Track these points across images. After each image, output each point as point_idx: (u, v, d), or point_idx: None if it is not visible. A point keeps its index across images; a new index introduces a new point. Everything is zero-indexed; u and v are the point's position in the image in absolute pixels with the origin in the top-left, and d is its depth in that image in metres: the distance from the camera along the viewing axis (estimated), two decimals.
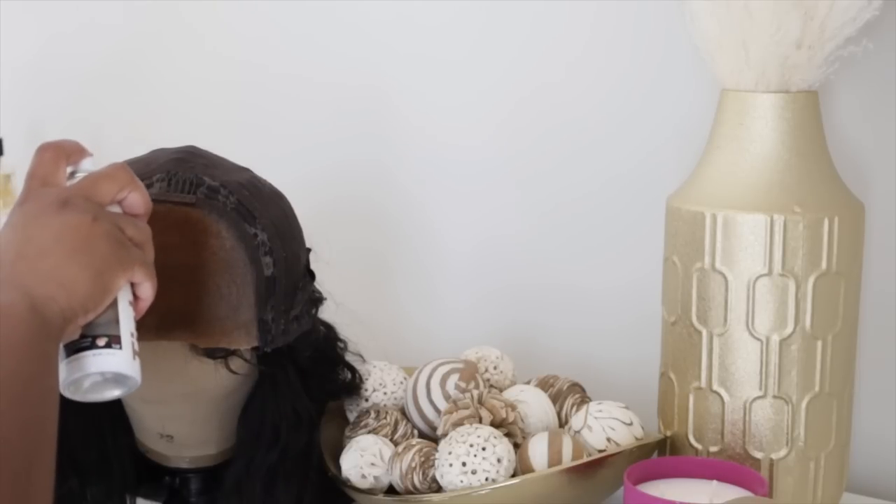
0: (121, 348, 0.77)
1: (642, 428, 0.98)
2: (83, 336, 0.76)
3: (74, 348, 0.76)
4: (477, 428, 0.94)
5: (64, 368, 0.76)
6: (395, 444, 1.00)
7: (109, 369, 0.76)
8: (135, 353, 0.78)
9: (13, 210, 0.78)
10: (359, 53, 1.35)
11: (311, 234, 1.00)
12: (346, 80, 1.36)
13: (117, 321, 0.77)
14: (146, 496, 1.05)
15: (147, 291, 0.79)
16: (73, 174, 0.82)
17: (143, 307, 0.80)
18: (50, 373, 0.70)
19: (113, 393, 0.78)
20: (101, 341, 0.76)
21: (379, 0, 1.32)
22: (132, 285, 0.79)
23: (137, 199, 0.81)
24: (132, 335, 0.78)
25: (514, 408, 0.98)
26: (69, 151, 0.82)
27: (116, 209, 0.80)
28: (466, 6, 1.27)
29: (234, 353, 0.92)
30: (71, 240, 0.74)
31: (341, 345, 1.06)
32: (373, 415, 1.02)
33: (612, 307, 1.23)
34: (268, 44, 1.42)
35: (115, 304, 0.77)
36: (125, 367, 0.77)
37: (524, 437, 0.98)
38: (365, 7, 1.34)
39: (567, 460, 0.94)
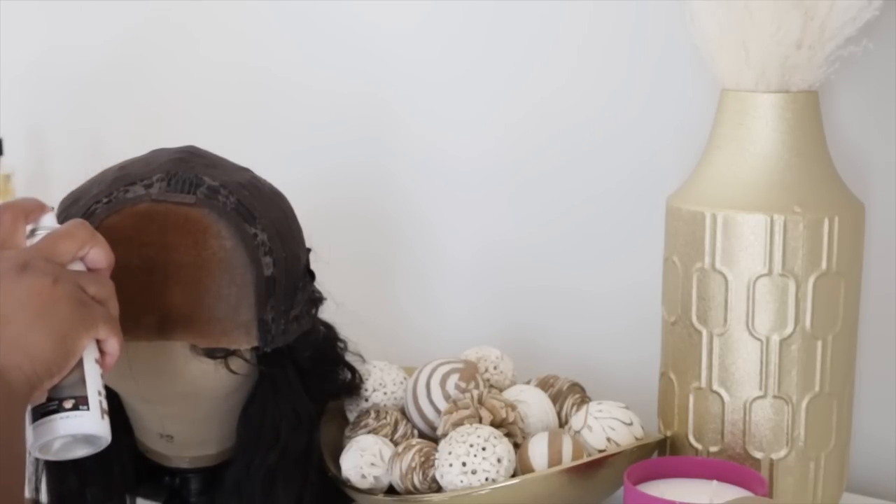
0: (88, 409, 0.77)
1: (642, 428, 0.98)
2: (50, 399, 0.76)
3: (42, 412, 0.76)
4: (477, 428, 0.94)
5: (32, 432, 0.76)
6: (395, 444, 1.00)
7: (78, 431, 0.77)
8: (103, 411, 0.78)
9: None
10: (360, 58, 1.35)
11: (311, 235, 1.00)
12: (347, 83, 1.36)
13: (83, 381, 0.78)
14: (146, 496, 1.05)
15: (113, 347, 0.80)
16: (33, 232, 0.82)
17: (110, 362, 0.80)
18: (17, 439, 0.71)
19: (83, 451, 0.79)
20: (68, 403, 0.77)
21: (379, 8, 1.32)
22: (98, 342, 0.79)
23: (99, 254, 0.81)
24: (100, 393, 0.79)
25: (514, 408, 0.98)
26: (28, 210, 0.82)
27: (79, 266, 0.80)
28: (467, 12, 1.27)
29: (234, 353, 0.92)
30: (33, 305, 0.74)
31: (341, 345, 1.06)
32: (373, 415, 1.02)
33: (613, 309, 1.23)
34: (268, 47, 1.42)
35: (80, 364, 0.78)
36: (93, 427, 0.77)
37: (524, 437, 0.98)
38: (366, 14, 1.34)
39: (567, 460, 0.94)
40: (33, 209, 0.82)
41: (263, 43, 1.43)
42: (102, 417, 0.78)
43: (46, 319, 0.74)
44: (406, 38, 1.32)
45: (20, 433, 0.71)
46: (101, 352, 0.80)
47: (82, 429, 0.77)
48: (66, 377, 0.76)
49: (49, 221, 0.82)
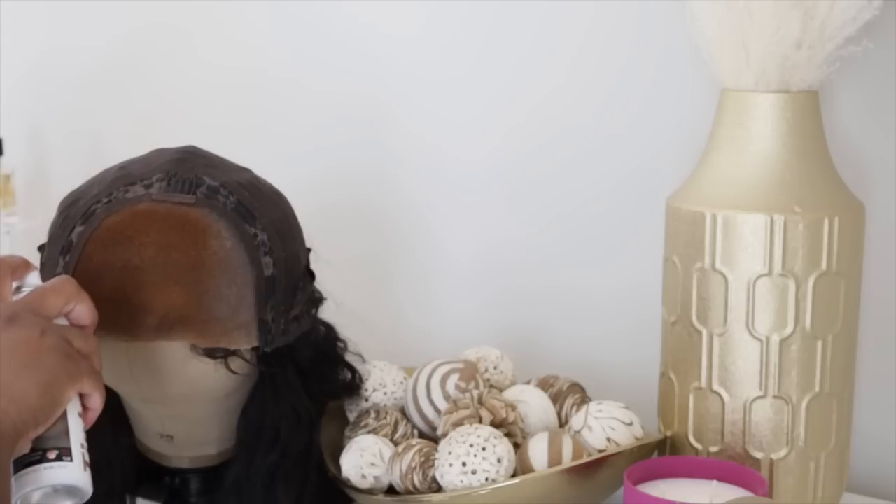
0: (71, 460, 0.78)
1: (642, 428, 0.98)
2: (34, 450, 0.77)
3: (25, 462, 0.77)
4: (477, 428, 0.94)
5: (14, 482, 0.77)
6: (395, 444, 1.00)
7: (60, 482, 0.78)
8: (85, 464, 0.79)
9: None
10: (359, 59, 1.35)
11: (311, 235, 1.00)
12: (347, 84, 1.36)
13: (67, 433, 0.79)
14: (146, 496, 1.05)
15: (96, 402, 0.81)
16: (18, 289, 0.84)
17: (91, 417, 0.82)
18: (4, 481, 0.72)
19: (64, 503, 0.80)
20: (52, 454, 0.78)
21: (379, 9, 1.32)
22: (81, 396, 0.81)
23: (84, 311, 0.83)
24: (83, 446, 0.80)
25: (514, 408, 0.98)
26: (14, 267, 0.84)
27: (63, 321, 0.82)
28: (467, 13, 1.27)
29: (234, 353, 0.92)
30: (20, 354, 0.76)
31: (341, 345, 1.06)
32: (373, 415, 1.02)
33: (613, 310, 1.23)
34: (268, 48, 1.42)
35: (64, 416, 0.79)
36: (76, 479, 0.78)
37: (524, 437, 0.98)
38: (365, 16, 1.34)
39: (567, 460, 0.94)
40: (19, 266, 0.84)
41: (263, 44, 1.43)
42: (85, 469, 0.79)
43: (33, 369, 0.76)
44: (406, 40, 1.32)
45: (7, 476, 0.73)
46: (84, 406, 0.81)
47: (66, 479, 0.78)
48: (49, 428, 0.77)
49: (34, 279, 0.85)
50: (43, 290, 0.82)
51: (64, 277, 0.83)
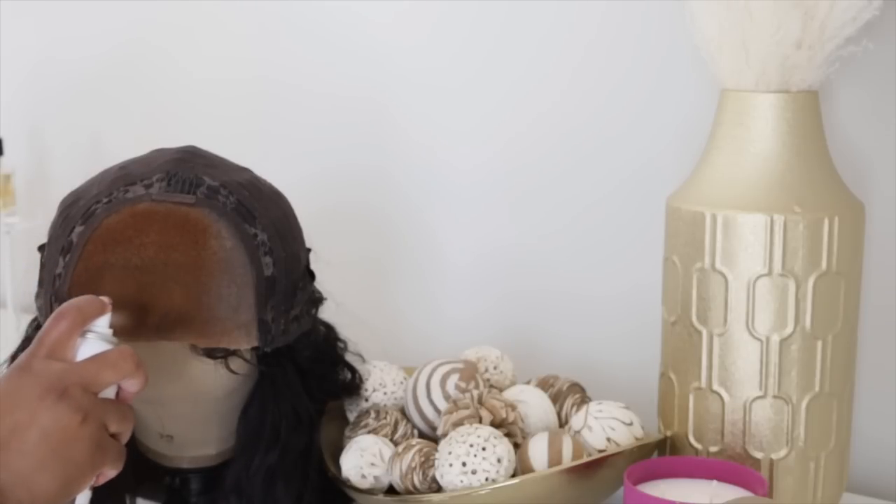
0: None
1: (642, 428, 0.98)
2: None
3: None
4: (477, 428, 0.94)
5: None
6: (395, 444, 1.00)
7: None
8: None
9: (10, 373, 0.78)
10: (362, 64, 1.35)
11: (313, 236, 1.00)
12: (349, 88, 1.36)
13: None
14: (146, 496, 1.05)
15: (110, 475, 0.81)
16: (83, 333, 0.82)
17: (100, 481, 0.81)
18: None
19: None
20: None
21: (382, 14, 1.32)
22: None
23: (134, 386, 0.82)
24: None
25: (514, 408, 0.98)
26: (87, 316, 0.82)
27: (111, 392, 0.81)
28: (468, 15, 1.27)
29: (234, 353, 0.92)
30: (54, 439, 0.76)
31: (341, 345, 1.06)
32: (373, 415, 1.02)
33: (613, 311, 1.23)
34: (269, 50, 1.42)
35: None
36: None
37: (524, 437, 0.98)
38: (367, 20, 1.34)
39: (567, 460, 0.94)
40: (93, 313, 0.82)
41: (265, 45, 1.43)
42: None
43: (60, 461, 0.76)
44: (408, 45, 1.32)
45: None
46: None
47: None
48: None
49: (103, 324, 0.83)
50: (102, 363, 0.80)
51: (126, 351, 0.81)
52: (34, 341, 0.80)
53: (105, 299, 0.83)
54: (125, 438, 0.82)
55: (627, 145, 1.20)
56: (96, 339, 0.82)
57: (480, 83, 1.28)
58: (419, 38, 1.32)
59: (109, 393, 0.81)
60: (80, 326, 0.81)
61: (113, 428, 0.80)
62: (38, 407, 0.76)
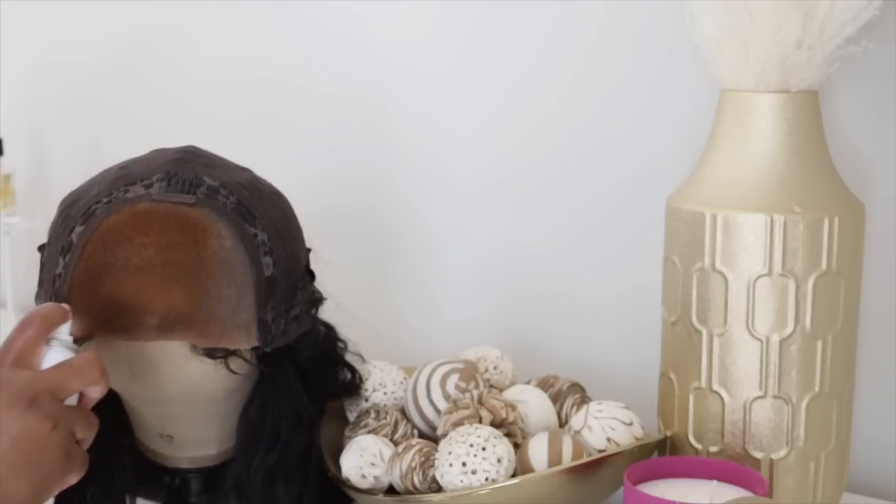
0: None
1: (642, 428, 0.98)
2: None
3: None
4: (477, 428, 0.94)
5: None
6: (395, 444, 1.00)
7: None
8: None
9: None
10: (363, 64, 1.35)
11: (313, 236, 1.00)
12: (350, 88, 1.36)
13: None
14: (146, 496, 1.05)
15: (74, 481, 0.81)
16: (48, 341, 0.83)
17: (67, 485, 0.82)
18: None
19: None
20: None
21: (384, 14, 1.32)
22: None
23: (99, 391, 0.83)
24: None
25: (514, 408, 0.98)
26: (52, 323, 0.83)
27: (74, 399, 0.82)
28: (469, 15, 1.27)
29: (234, 353, 0.92)
30: (24, 448, 0.76)
31: (341, 345, 1.06)
32: (373, 415, 1.02)
33: (614, 312, 1.23)
34: (271, 49, 1.42)
35: None
36: None
37: (524, 437, 0.98)
38: (369, 20, 1.34)
39: (567, 460, 0.94)
40: (56, 320, 0.83)
41: (266, 46, 1.43)
42: None
43: (31, 468, 0.76)
44: (409, 46, 1.32)
45: None
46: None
47: None
48: None
49: (65, 332, 0.84)
50: (69, 370, 0.80)
51: (91, 358, 0.82)
52: (1, 349, 0.80)
53: (66, 307, 0.84)
54: (87, 445, 0.82)
55: (627, 145, 1.19)
56: (60, 346, 0.83)
57: (481, 84, 1.28)
58: (419, 38, 1.32)
59: (72, 400, 0.82)
60: (46, 334, 0.82)
61: (80, 434, 0.80)
62: (8, 415, 0.76)
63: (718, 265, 0.94)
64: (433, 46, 1.31)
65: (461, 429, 0.95)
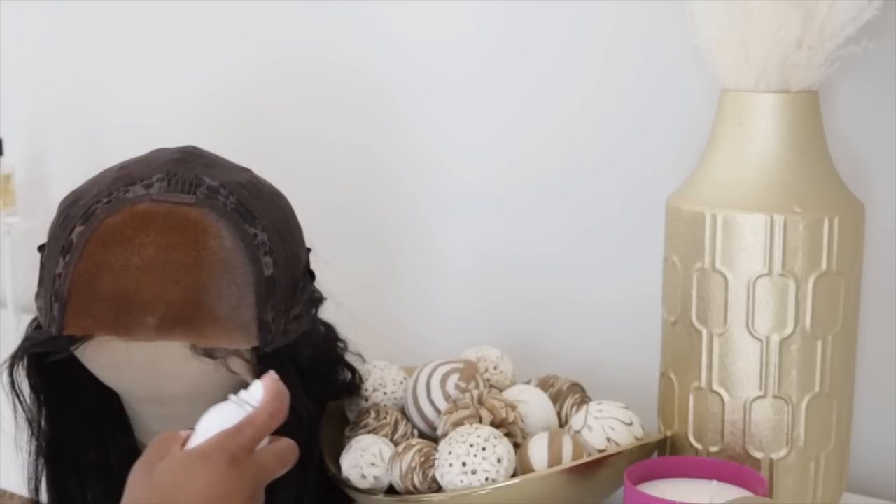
0: None
1: (642, 428, 0.98)
2: None
3: None
4: (477, 428, 0.94)
5: None
6: (395, 444, 1.00)
7: None
8: None
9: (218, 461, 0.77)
10: (365, 61, 1.35)
11: (313, 236, 1.00)
12: (351, 87, 1.36)
13: None
14: None
15: None
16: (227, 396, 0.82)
17: None
18: None
19: None
20: None
21: (385, 13, 1.33)
22: None
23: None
24: None
25: (514, 408, 0.98)
26: (268, 430, 0.81)
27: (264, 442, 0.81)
28: (469, 21, 1.27)
29: (234, 353, 0.92)
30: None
31: (341, 345, 1.06)
32: (373, 415, 1.02)
33: (613, 312, 1.23)
34: (273, 44, 1.42)
35: None
36: None
37: (524, 437, 0.98)
38: (373, 11, 1.34)
39: (567, 460, 0.94)
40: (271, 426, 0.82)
41: (267, 46, 1.43)
42: None
43: None
44: (411, 45, 1.32)
45: None
46: None
47: None
48: None
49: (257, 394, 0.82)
50: (280, 459, 0.81)
51: (295, 449, 0.82)
52: (222, 437, 0.78)
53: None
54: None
55: (627, 146, 1.19)
56: (237, 404, 0.81)
57: (480, 86, 1.28)
58: (420, 40, 1.32)
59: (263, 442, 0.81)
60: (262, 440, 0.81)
61: (279, 472, 0.80)
62: (211, 472, 0.76)
63: (718, 265, 0.94)
64: (433, 49, 1.31)
65: (461, 429, 0.95)
